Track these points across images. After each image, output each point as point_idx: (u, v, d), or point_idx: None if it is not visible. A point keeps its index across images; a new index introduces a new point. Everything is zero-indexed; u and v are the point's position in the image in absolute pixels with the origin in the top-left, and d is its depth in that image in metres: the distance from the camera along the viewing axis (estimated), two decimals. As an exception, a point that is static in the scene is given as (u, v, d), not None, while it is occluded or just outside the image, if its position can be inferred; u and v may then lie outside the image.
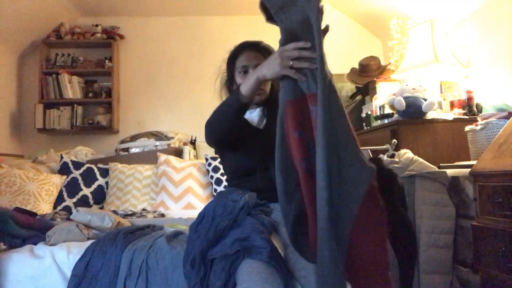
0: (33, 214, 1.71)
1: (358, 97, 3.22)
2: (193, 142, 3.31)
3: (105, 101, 3.71)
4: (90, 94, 3.71)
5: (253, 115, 1.44)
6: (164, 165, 2.61)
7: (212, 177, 2.55)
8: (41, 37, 3.66)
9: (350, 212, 0.89)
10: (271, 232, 1.17)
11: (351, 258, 0.92)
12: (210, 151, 2.39)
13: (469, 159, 2.08)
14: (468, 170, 1.60)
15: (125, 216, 2.03)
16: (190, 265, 1.12)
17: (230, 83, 1.44)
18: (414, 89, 2.32)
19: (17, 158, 3.34)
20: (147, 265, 1.34)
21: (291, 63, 0.96)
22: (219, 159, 2.65)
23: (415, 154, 1.97)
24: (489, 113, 2.02)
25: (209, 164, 2.62)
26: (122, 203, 2.48)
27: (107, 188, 2.63)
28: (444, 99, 2.54)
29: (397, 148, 2.11)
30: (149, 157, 2.84)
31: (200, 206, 2.43)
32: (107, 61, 3.71)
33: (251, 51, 1.37)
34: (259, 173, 1.32)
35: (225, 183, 2.48)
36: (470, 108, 2.37)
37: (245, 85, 1.15)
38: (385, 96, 2.58)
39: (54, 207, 2.41)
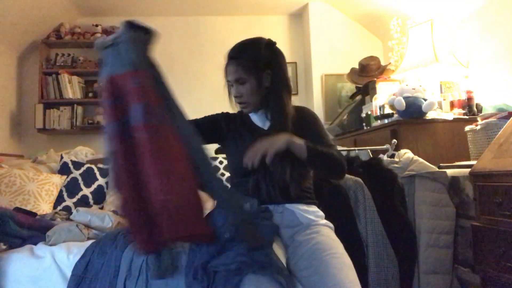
0: (33, 214, 1.72)
1: (358, 97, 3.22)
2: (193, 142, 3.30)
3: (105, 101, 3.71)
4: (90, 94, 3.71)
5: (256, 117, 1.42)
6: (164, 165, 2.60)
7: (212, 177, 2.55)
8: (41, 37, 3.66)
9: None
10: (272, 241, 1.16)
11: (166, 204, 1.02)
12: (210, 151, 2.39)
13: (469, 159, 2.08)
14: (468, 170, 1.59)
15: (125, 216, 2.03)
16: (192, 276, 1.11)
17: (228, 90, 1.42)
18: (414, 89, 2.32)
19: (17, 158, 3.34)
20: (147, 266, 1.34)
21: None
22: (218, 159, 2.64)
23: (415, 154, 1.97)
24: (489, 113, 2.02)
25: (209, 164, 2.61)
26: (122, 203, 2.47)
27: (107, 188, 2.62)
28: (444, 99, 2.54)
29: (397, 148, 2.11)
30: (149, 157, 2.84)
31: (200, 206, 2.43)
32: (107, 61, 3.71)
33: (230, 64, 1.32)
34: (252, 177, 1.30)
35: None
36: (470, 108, 2.37)
37: None
38: (385, 96, 2.58)
39: (54, 207, 2.40)
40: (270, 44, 1.36)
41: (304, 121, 1.37)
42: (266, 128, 1.38)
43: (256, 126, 1.40)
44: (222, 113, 1.47)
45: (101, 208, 2.53)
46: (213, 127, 1.43)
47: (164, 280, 1.31)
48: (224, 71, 1.35)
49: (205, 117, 1.47)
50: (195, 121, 1.42)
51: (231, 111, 1.48)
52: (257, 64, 1.30)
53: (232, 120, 1.44)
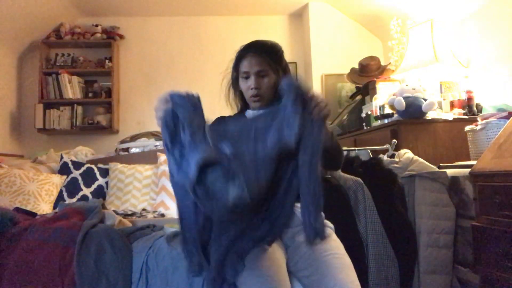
0: (33, 214, 1.71)
1: (358, 97, 3.22)
2: (193, 142, 3.30)
3: (105, 101, 3.71)
4: (90, 94, 3.71)
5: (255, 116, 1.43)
6: (164, 165, 2.60)
7: (212, 177, 2.55)
8: (41, 37, 3.66)
9: None
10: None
11: None
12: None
13: (469, 159, 2.08)
14: (468, 170, 1.60)
15: (125, 216, 2.03)
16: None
17: (235, 85, 1.43)
18: (414, 89, 2.32)
19: (17, 158, 3.34)
20: (147, 266, 1.34)
21: None
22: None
23: (415, 154, 1.97)
24: (489, 113, 2.02)
25: (209, 164, 2.61)
26: (122, 203, 2.48)
27: (107, 188, 2.62)
28: (444, 99, 2.54)
29: (397, 148, 2.11)
30: (149, 157, 2.84)
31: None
32: (107, 61, 3.71)
33: (253, 56, 1.33)
34: None
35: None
36: (470, 108, 2.37)
37: None
38: (385, 96, 2.58)
39: (54, 207, 2.40)
40: (283, 51, 1.43)
41: None
42: None
43: None
44: (217, 119, 1.45)
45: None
46: None
47: (164, 280, 1.31)
48: (239, 63, 1.36)
49: None
50: None
51: (228, 111, 1.49)
52: (280, 64, 1.38)
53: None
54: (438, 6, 2.74)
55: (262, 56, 1.33)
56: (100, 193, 2.60)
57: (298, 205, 1.29)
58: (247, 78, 1.35)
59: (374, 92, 2.77)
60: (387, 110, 2.49)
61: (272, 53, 1.36)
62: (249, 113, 1.43)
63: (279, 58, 1.38)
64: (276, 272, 1.07)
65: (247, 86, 1.35)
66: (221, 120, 1.47)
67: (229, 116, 1.48)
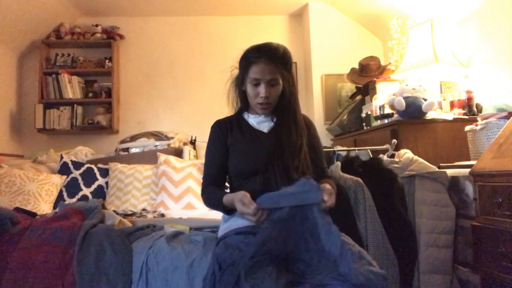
0: (33, 214, 1.71)
1: (358, 97, 3.22)
2: (193, 142, 3.31)
3: (105, 101, 3.71)
4: (90, 94, 3.71)
5: (257, 120, 1.43)
6: (164, 165, 2.61)
7: (212, 177, 2.55)
8: (41, 37, 3.66)
9: None
10: None
11: None
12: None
13: (469, 159, 2.08)
14: (468, 170, 1.60)
15: (125, 216, 2.03)
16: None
17: (240, 84, 1.41)
18: (414, 89, 2.32)
19: (17, 158, 3.34)
20: (147, 266, 1.34)
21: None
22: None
23: (415, 154, 1.98)
24: (489, 113, 2.02)
25: (209, 164, 2.61)
26: (122, 203, 2.48)
27: (107, 188, 2.63)
28: (444, 99, 2.54)
29: (397, 148, 2.11)
30: (149, 157, 2.84)
31: (200, 206, 2.43)
32: (107, 61, 3.72)
33: (266, 64, 1.30)
34: (260, 175, 1.31)
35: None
36: (470, 108, 2.37)
37: (227, 202, 1.26)
38: (385, 96, 2.58)
39: (54, 207, 2.40)
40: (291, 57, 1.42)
41: (308, 130, 1.43)
42: (266, 131, 1.40)
43: (255, 129, 1.41)
44: (215, 126, 1.45)
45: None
46: (226, 146, 1.41)
47: (164, 280, 1.31)
48: (248, 66, 1.33)
49: (212, 149, 1.43)
50: (218, 162, 1.42)
51: (227, 111, 1.49)
52: (289, 71, 1.38)
53: (229, 125, 1.44)
54: (438, 6, 2.74)
55: (276, 64, 1.31)
56: (100, 193, 2.60)
57: None
58: (256, 84, 1.33)
59: (374, 92, 2.77)
60: (387, 110, 2.49)
61: (284, 61, 1.34)
62: (250, 117, 1.44)
63: (290, 66, 1.38)
64: None
65: (256, 92, 1.33)
66: (220, 125, 1.45)
67: (229, 121, 1.46)
